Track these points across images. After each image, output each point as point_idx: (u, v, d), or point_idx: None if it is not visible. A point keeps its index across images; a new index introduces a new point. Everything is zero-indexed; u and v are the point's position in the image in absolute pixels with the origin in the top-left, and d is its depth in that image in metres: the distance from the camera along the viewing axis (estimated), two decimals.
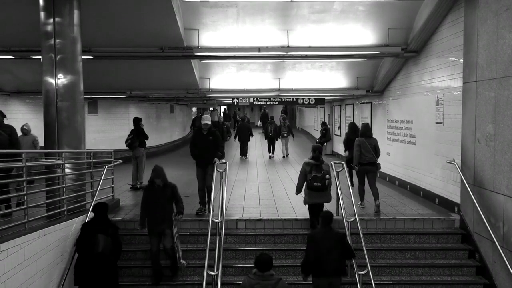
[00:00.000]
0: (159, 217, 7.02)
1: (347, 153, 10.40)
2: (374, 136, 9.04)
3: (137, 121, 11.56)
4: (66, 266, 6.59)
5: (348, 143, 10.31)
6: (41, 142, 8.03)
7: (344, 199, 7.80)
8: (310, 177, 7.49)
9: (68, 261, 6.68)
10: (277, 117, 23.43)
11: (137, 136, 11.40)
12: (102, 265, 6.19)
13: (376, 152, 8.82)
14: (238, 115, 34.65)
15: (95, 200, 7.63)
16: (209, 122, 8.52)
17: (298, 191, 7.82)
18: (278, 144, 19.37)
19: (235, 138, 18.35)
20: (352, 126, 10.81)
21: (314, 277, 5.94)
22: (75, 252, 6.75)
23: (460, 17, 7.95)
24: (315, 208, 7.66)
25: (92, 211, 6.72)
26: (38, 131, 13.25)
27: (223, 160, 8.59)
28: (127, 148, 11.52)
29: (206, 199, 8.58)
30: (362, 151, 8.59)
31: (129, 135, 11.45)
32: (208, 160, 8.37)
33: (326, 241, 5.90)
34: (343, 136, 18.19)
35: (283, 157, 18.57)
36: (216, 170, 8.15)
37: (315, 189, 7.47)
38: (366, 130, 8.96)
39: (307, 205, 7.83)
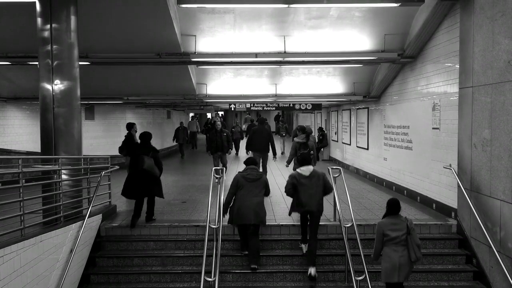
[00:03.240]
0: None
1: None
2: (372, 140, 9.27)
3: (127, 127, 11.32)
4: (63, 273, 6.56)
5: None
6: (37, 148, 8.01)
7: (341, 205, 7.80)
8: (299, 153, 9.18)
9: (64, 268, 6.64)
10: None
11: (125, 143, 11.07)
12: (147, 178, 8.13)
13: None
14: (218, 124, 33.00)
15: (92, 206, 7.62)
16: None
17: (289, 163, 9.81)
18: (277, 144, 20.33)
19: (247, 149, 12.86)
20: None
21: (252, 151, 10.41)
22: (72, 255, 6.74)
23: (456, 23, 7.99)
24: None
25: (139, 138, 8.69)
26: (34, 137, 13.23)
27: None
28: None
29: None
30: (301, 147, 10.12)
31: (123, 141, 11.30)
32: None
33: (261, 134, 11.45)
34: (340, 141, 18.33)
35: (282, 153, 21.46)
36: (213, 175, 8.15)
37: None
38: (307, 129, 10.90)
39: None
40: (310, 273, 7.16)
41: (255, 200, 7.34)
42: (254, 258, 7.38)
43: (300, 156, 8.37)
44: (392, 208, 6.18)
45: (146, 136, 8.59)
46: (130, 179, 8.30)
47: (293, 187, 7.29)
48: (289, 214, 7.78)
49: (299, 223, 7.79)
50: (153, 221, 8.46)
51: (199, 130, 28.84)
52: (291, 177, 7.41)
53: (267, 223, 7.98)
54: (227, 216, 7.59)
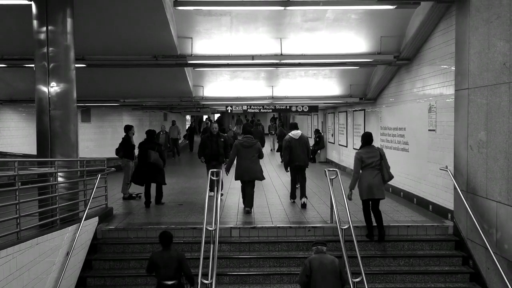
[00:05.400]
0: None
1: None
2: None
3: (125, 129, 11.34)
4: (59, 276, 6.53)
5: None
6: (33, 151, 8.00)
7: (338, 207, 7.81)
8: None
9: (61, 270, 6.62)
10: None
11: (122, 145, 11.09)
12: (153, 169, 9.87)
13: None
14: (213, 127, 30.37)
15: (88, 209, 7.61)
16: None
17: (286, 166, 10.13)
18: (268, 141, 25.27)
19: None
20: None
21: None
22: (68, 258, 6.71)
23: (452, 25, 8.03)
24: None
25: (145, 133, 10.33)
26: (30, 139, 13.19)
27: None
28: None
29: None
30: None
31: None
32: None
33: (256, 134, 12.44)
34: (337, 143, 18.35)
35: (271, 150, 23.97)
36: (211, 177, 8.16)
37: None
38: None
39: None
40: (303, 202, 9.72)
41: (249, 162, 9.16)
42: (248, 202, 9.31)
43: (291, 124, 10.47)
44: (367, 139, 7.90)
45: (151, 133, 10.25)
46: (139, 169, 9.98)
47: (289, 148, 9.77)
48: (286, 170, 10.18)
49: (295, 226, 7.81)
50: (162, 204, 10.14)
51: (181, 137, 26.63)
52: (286, 141, 9.90)
53: (263, 225, 8.18)
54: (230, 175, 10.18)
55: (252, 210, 9.36)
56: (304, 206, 9.66)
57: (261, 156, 9.43)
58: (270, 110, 15.81)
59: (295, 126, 10.24)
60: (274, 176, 14.96)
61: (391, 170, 8.01)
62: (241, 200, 10.08)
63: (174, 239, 7.96)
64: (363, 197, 7.77)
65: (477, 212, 7.05)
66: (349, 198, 7.90)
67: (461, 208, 7.67)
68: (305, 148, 9.87)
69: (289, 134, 9.97)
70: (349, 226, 7.22)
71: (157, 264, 6.04)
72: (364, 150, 7.84)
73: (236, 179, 9.46)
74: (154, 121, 25.59)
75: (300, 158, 9.80)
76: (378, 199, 7.77)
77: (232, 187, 12.63)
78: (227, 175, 9.91)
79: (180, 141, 25.68)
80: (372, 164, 7.70)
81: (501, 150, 6.39)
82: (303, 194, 9.86)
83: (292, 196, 10.38)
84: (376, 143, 12.81)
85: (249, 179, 9.28)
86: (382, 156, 7.78)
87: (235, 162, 9.42)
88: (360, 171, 7.78)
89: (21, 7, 7.55)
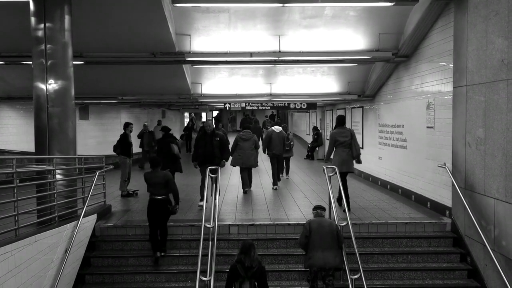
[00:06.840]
0: None
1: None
2: (366, 139, 9.86)
3: (123, 127, 11.40)
4: (57, 273, 6.53)
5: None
6: (31, 148, 7.97)
7: (336, 204, 7.82)
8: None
9: (59, 268, 6.62)
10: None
11: (120, 142, 11.19)
12: (174, 159, 10.33)
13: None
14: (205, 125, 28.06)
15: (86, 206, 7.60)
16: None
17: (264, 150, 12.22)
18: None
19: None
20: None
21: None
22: (67, 255, 6.71)
23: (450, 22, 8.03)
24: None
25: (162, 129, 11.26)
26: (28, 137, 13.17)
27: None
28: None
29: None
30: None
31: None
32: None
33: (254, 130, 13.28)
34: None
35: None
36: (209, 175, 8.16)
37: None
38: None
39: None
40: (276, 188, 11.88)
41: (248, 152, 10.90)
42: (246, 184, 11.24)
43: (275, 121, 12.80)
44: (340, 121, 9.11)
45: (168, 129, 11.04)
46: (164, 161, 10.05)
47: (269, 140, 11.97)
48: (264, 152, 12.21)
49: (293, 223, 7.84)
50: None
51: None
52: (268, 131, 12.23)
53: (262, 222, 8.20)
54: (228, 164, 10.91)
55: (250, 188, 11.43)
56: (287, 178, 13.13)
57: (257, 147, 11.27)
58: (269, 107, 15.80)
59: (279, 124, 12.91)
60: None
61: (389, 167, 8.07)
62: (240, 198, 10.14)
63: (172, 236, 8.04)
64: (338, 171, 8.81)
65: (475, 209, 7.06)
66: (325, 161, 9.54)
67: (459, 205, 7.69)
68: (282, 140, 12.24)
69: (272, 128, 12.50)
70: (347, 223, 7.22)
71: (149, 181, 7.59)
72: (338, 130, 9.01)
73: (233, 165, 11.21)
74: (167, 116, 25.51)
75: (277, 148, 12.04)
76: (347, 172, 8.96)
77: (230, 184, 12.63)
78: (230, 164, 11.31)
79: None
80: (344, 143, 8.84)
81: (499, 147, 6.40)
82: (275, 181, 12.12)
83: (274, 183, 12.07)
84: (375, 140, 12.86)
85: (246, 167, 11.11)
86: (352, 136, 8.92)
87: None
88: (334, 149, 9.00)
89: (19, 4, 7.53)
